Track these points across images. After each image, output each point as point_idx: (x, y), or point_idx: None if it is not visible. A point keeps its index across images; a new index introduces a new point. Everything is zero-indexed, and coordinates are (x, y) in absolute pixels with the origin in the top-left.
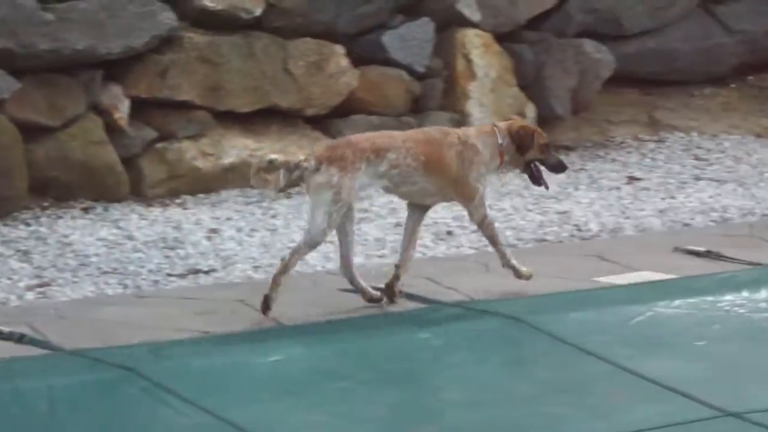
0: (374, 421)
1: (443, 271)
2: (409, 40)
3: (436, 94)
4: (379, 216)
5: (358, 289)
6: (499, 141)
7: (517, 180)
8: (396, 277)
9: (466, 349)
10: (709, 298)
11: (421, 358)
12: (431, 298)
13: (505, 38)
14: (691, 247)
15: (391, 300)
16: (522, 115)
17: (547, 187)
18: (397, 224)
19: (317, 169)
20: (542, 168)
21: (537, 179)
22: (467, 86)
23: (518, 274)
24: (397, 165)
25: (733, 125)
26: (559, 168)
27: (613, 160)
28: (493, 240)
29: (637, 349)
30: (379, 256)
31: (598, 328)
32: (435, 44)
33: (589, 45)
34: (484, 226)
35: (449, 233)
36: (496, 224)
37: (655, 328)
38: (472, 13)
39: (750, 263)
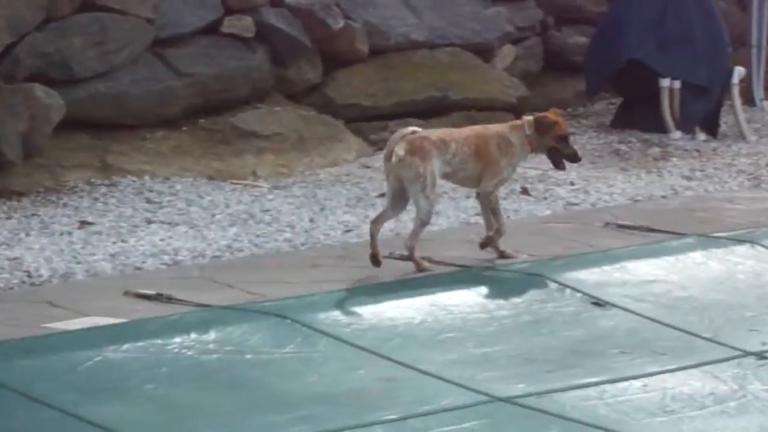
0: None
1: None
2: None
3: None
4: None
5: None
6: (527, 132)
7: None
8: (496, 248)
9: None
10: (159, 341)
11: None
12: None
13: None
14: (141, 291)
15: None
16: None
17: (563, 169)
18: None
19: (403, 160)
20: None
21: (557, 163)
22: None
23: (492, 242)
24: (457, 153)
25: (185, 168)
26: (572, 158)
27: (65, 205)
28: (494, 211)
29: (85, 394)
30: None
31: (46, 374)
32: None
33: (39, 89)
34: (491, 197)
35: None
36: None
37: (104, 372)
38: None
39: (199, 305)
